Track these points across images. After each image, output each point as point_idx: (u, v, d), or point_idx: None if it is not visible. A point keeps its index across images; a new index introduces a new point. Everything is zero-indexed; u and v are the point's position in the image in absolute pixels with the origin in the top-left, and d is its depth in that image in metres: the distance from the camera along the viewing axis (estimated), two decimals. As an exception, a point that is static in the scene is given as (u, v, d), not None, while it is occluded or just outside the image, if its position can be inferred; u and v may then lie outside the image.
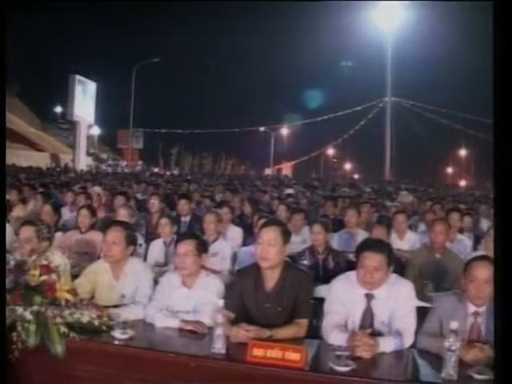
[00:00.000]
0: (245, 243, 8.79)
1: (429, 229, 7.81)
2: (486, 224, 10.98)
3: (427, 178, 65.03)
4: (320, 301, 4.96)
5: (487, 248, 7.29)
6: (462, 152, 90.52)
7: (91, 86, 58.91)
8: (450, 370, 3.77)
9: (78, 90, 55.41)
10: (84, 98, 56.59)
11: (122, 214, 8.45)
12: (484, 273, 4.50)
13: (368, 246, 4.74)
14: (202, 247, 5.18)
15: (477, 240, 9.34)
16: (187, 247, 5.05)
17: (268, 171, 76.22)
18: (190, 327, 4.66)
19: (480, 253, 6.84)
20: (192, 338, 4.56)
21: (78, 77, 55.65)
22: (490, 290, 4.48)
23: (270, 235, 4.72)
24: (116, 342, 4.30)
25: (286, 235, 4.82)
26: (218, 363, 4.02)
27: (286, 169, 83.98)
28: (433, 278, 6.78)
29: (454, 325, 3.87)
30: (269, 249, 4.68)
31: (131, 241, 5.48)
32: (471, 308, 4.57)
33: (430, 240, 7.49)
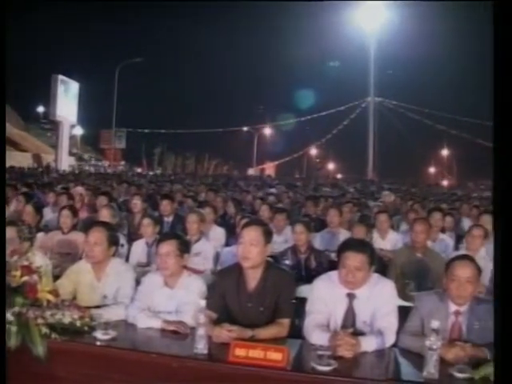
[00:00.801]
0: (228, 243, 8.80)
1: (410, 228, 7.85)
2: (467, 223, 11.03)
3: (410, 178, 65.28)
4: (302, 300, 4.95)
5: (468, 247, 7.37)
6: (445, 152, 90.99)
7: (74, 86, 58.64)
8: (431, 368, 3.79)
9: (61, 89, 55.09)
10: (66, 98, 56.29)
11: (105, 215, 8.44)
12: (465, 272, 4.54)
13: (350, 245, 4.76)
14: (184, 247, 5.18)
15: (458, 239, 9.38)
16: (169, 247, 5.05)
17: (251, 171, 76.33)
18: (172, 327, 4.64)
19: (461, 252, 6.89)
20: (174, 338, 4.56)
21: (60, 77, 55.33)
22: (471, 289, 4.53)
23: (251, 235, 4.74)
24: (98, 343, 4.27)
25: (268, 235, 4.84)
26: (200, 363, 4.01)
27: (269, 169, 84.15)
28: (414, 277, 6.81)
29: (435, 324, 3.89)
30: (250, 249, 4.69)
31: (113, 241, 5.46)
32: (452, 307, 4.59)
33: (411, 239, 7.54)
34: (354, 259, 4.59)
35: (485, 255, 7.48)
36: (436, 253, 7.49)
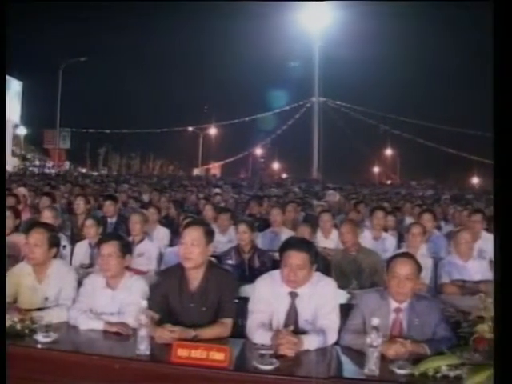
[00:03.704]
0: (172, 243, 8.77)
1: (338, 230, 7.94)
2: (410, 222, 11.16)
3: (354, 177, 65.82)
4: (245, 300, 4.97)
5: (409, 245, 7.49)
6: (388, 152, 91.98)
7: (16, 85, 57.88)
8: (371, 365, 3.85)
9: (3, 88, 54.34)
10: (9, 97, 55.50)
11: (47, 216, 8.34)
12: (405, 269, 4.62)
13: (291, 244, 4.80)
14: (126, 248, 5.17)
15: (401, 238, 9.48)
16: (110, 248, 5.03)
17: (196, 171, 76.32)
18: (114, 329, 4.63)
19: (402, 250, 6.99)
20: (117, 339, 4.54)
21: (2, 75, 54.53)
22: (410, 285, 4.61)
23: (192, 235, 4.75)
24: (39, 346, 4.23)
25: (209, 235, 4.86)
26: (143, 364, 4.01)
27: (215, 169, 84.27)
28: (352, 274, 6.94)
29: (375, 321, 3.96)
30: (192, 249, 4.70)
31: (54, 243, 5.40)
32: (393, 304, 4.67)
33: (340, 240, 7.70)
34: (295, 258, 4.63)
35: (425, 253, 7.62)
36: (369, 250, 7.63)
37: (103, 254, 5.04)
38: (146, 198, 15.99)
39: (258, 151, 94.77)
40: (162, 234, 9.22)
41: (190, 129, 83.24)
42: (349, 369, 4.15)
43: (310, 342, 4.35)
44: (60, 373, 4.11)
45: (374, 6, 64.38)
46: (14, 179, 27.62)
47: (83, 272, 6.42)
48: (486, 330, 3.80)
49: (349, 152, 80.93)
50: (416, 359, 3.95)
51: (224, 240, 8.83)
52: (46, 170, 58.26)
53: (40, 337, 4.28)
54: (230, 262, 7.33)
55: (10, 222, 7.69)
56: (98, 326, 4.71)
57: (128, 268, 5.27)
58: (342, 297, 5.40)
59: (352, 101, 74.70)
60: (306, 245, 4.84)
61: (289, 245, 4.81)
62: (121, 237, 5.40)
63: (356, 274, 6.94)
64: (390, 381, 3.84)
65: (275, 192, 26.21)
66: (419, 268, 4.75)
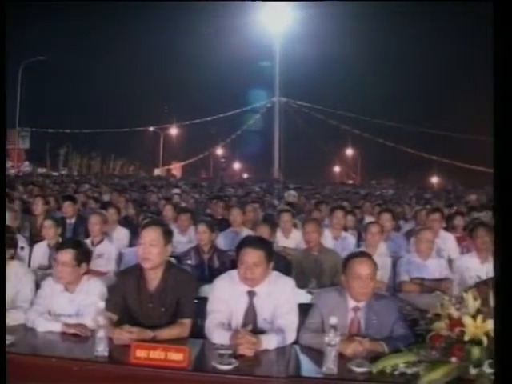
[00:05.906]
0: (132, 244, 8.74)
1: (302, 229, 7.96)
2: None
3: (315, 177, 66.05)
4: (205, 300, 4.95)
5: (368, 244, 7.55)
6: (349, 151, 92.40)
7: (-26, 85, 57.16)
8: (330, 364, 3.86)
9: (-41, 88, 53.67)
10: (-34, 97, 54.82)
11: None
12: (365, 269, 4.67)
13: (247, 242, 4.84)
14: (82, 256, 5.11)
15: (360, 237, 9.54)
16: (66, 257, 5.00)
17: (157, 171, 76.06)
18: (72, 330, 4.60)
19: (360, 249, 7.03)
20: (75, 341, 4.51)
21: (-42, 75, 53.87)
22: (372, 285, 4.67)
23: (151, 235, 4.75)
24: (-5, 349, 4.18)
25: (168, 235, 4.86)
26: (101, 366, 3.99)
27: (176, 169, 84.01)
28: (313, 274, 6.99)
29: (333, 320, 3.97)
30: (150, 249, 4.70)
31: (11, 244, 5.35)
32: (351, 303, 4.70)
33: (304, 239, 7.71)
34: (251, 255, 4.66)
35: (384, 251, 7.69)
36: (330, 250, 7.72)
37: (58, 261, 5.03)
38: (106, 198, 15.90)
39: (219, 151, 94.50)
40: (121, 234, 9.17)
41: (151, 129, 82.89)
42: (307, 368, 4.16)
43: (269, 342, 4.37)
44: (18, 376, 4.04)
45: (335, 6, 64.52)
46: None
47: (42, 273, 6.38)
48: (442, 327, 3.84)
49: (310, 152, 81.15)
50: (374, 357, 3.99)
51: (184, 240, 8.86)
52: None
53: (-4, 340, 4.23)
54: (189, 262, 7.33)
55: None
56: (56, 327, 4.67)
57: (87, 270, 5.23)
58: (302, 296, 5.44)
59: (313, 101, 74.81)
60: (262, 242, 4.88)
61: (245, 243, 4.84)
62: (79, 244, 5.30)
63: (317, 274, 7.00)
64: (348, 379, 3.86)
65: (234, 192, 26.23)
66: (376, 266, 4.79)
